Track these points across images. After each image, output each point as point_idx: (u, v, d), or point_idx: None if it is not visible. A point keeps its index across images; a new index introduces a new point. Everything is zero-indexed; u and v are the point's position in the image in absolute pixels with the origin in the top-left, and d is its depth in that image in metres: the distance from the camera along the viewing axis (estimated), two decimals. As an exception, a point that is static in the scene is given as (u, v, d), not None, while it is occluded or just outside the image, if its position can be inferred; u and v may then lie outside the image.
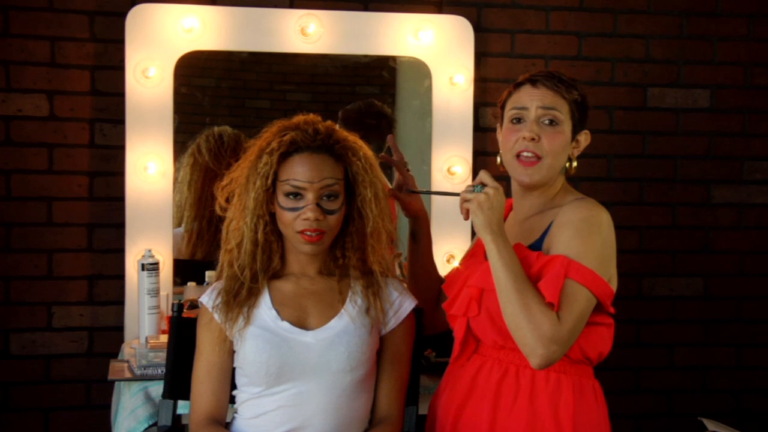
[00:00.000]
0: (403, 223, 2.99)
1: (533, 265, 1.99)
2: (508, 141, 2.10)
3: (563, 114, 2.08)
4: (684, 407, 3.67)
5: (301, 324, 2.10)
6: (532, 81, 2.11)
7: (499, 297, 1.96)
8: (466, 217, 2.01)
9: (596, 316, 2.02)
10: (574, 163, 2.13)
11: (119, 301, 3.20)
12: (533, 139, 2.06)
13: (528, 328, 1.91)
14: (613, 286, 2.04)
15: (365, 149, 2.14)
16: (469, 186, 2.02)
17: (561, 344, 1.92)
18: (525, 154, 2.07)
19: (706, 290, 3.69)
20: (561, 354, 1.94)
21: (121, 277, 3.17)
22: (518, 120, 2.10)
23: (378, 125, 3.39)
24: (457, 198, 2.04)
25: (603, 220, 2.03)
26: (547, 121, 2.07)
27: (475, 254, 2.21)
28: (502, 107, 2.17)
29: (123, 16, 3.14)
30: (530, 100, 2.09)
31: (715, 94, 3.66)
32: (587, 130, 2.15)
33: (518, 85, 2.14)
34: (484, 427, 2.04)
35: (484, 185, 1.99)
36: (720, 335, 3.70)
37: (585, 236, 1.98)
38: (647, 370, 3.67)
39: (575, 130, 2.11)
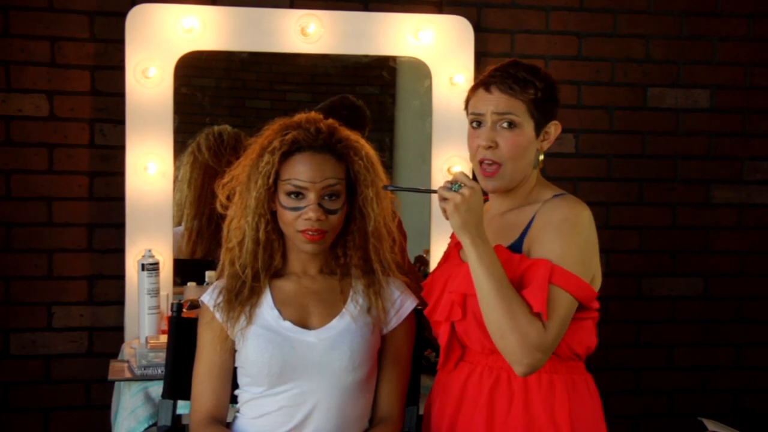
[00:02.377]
0: (413, 242, 2.99)
1: (516, 269, 1.97)
2: (471, 147, 2.09)
3: (520, 116, 2.04)
4: (684, 407, 3.67)
5: (303, 323, 2.10)
6: (485, 85, 2.07)
7: (481, 303, 1.93)
8: (447, 217, 1.96)
9: (580, 312, 2.00)
10: (541, 157, 2.09)
11: (119, 301, 3.20)
12: (490, 147, 2.04)
13: (513, 336, 1.88)
14: (597, 283, 2.03)
15: (367, 148, 2.14)
16: (446, 182, 1.95)
17: (545, 352, 1.91)
18: (486, 162, 2.05)
19: (706, 290, 3.69)
20: (545, 361, 1.92)
21: (121, 277, 3.17)
22: (478, 124, 2.08)
23: (350, 116, 3.37)
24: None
25: (584, 218, 2.00)
26: (505, 124, 2.04)
27: (450, 256, 2.19)
28: (466, 109, 2.14)
29: (123, 16, 3.14)
30: (485, 105, 2.05)
31: (715, 94, 3.66)
32: (556, 121, 2.10)
33: (475, 88, 2.10)
34: None
35: (461, 185, 1.93)
36: (720, 335, 3.70)
37: (567, 237, 1.96)
38: (647, 370, 3.67)
39: (539, 125, 2.07)
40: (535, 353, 1.89)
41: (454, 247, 2.20)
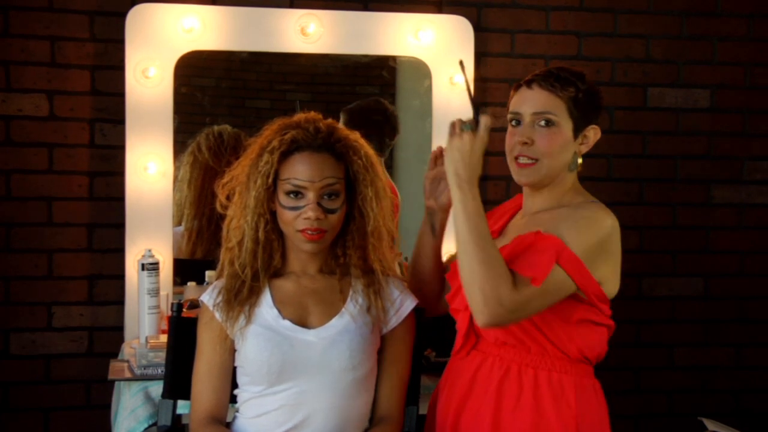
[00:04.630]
0: (404, 223, 2.99)
1: (526, 240, 1.98)
2: (508, 144, 2.11)
3: (559, 115, 2.05)
4: (684, 407, 3.67)
5: (303, 322, 2.10)
6: (528, 82, 2.09)
7: (457, 249, 1.94)
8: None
9: (596, 316, 2.02)
10: (579, 160, 2.09)
11: (119, 301, 3.20)
12: (526, 143, 2.05)
13: (480, 284, 1.89)
14: (607, 290, 2.02)
15: (366, 148, 2.14)
16: (466, 120, 1.97)
17: (511, 311, 1.90)
18: (521, 158, 2.07)
19: (706, 290, 3.69)
20: (508, 320, 1.92)
21: (121, 277, 3.18)
22: (516, 123, 2.10)
23: (384, 122, 3.39)
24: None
25: (605, 224, 2.01)
26: (542, 123, 2.05)
27: None
28: (508, 107, 2.17)
29: (123, 16, 3.14)
30: (524, 104, 2.07)
31: (715, 94, 3.66)
32: (596, 125, 2.10)
33: (518, 87, 2.13)
34: (486, 427, 2.04)
35: (475, 127, 1.94)
36: (720, 335, 3.70)
37: (580, 231, 1.97)
38: (647, 370, 3.67)
39: (578, 127, 2.07)
40: (498, 307, 1.88)
41: None
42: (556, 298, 1.96)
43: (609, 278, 2.03)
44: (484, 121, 1.97)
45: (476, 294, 1.90)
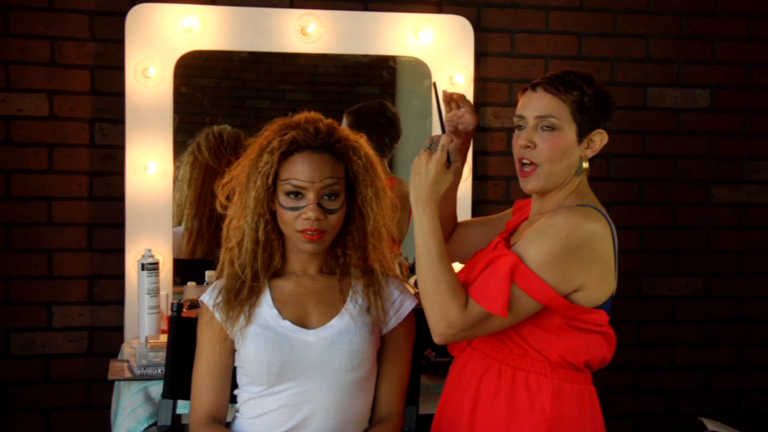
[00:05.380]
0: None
1: (488, 255, 2.00)
2: (514, 148, 2.10)
3: (562, 118, 2.03)
4: (684, 407, 3.67)
5: (303, 323, 2.10)
6: (534, 86, 2.08)
7: (416, 267, 2.00)
8: None
9: (579, 322, 2.00)
10: (585, 164, 2.08)
11: (119, 301, 3.20)
12: (528, 147, 2.05)
13: (433, 306, 1.96)
14: (591, 296, 1.99)
15: (366, 148, 2.14)
16: (433, 138, 2.03)
17: (461, 330, 1.96)
18: (524, 161, 2.07)
19: (706, 290, 3.69)
20: (461, 338, 2.00)
21: (121, 276, 3.18)
22: (520, 127, 2.09)
23: (387, 125, 3.39)
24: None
25: (580, 230, 1.97)
26: (545, 126, 2.04)
27: (491, 244, 2.19)
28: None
29: (123, 15, 3.15)
30: (528, 108, 2.06)
31: (715, 94, 3.66)
32: (603, 130, 2.07)
33: (524, 91, 2.12)
34: (464, 421, 2.06)
35: (431, 147, 1.99)
36: (720, 335, 3.70)
37: (544, 241, 1.95)
38: (647, 370, 3.67)
39: (583, 131, 2.05)
40: (448, 329, 1.95)
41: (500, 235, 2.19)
42: (519, 317, 1.97)
43: (594, 283, 1.99)
44: (441, 140, 2.00)
45: (429, 313, 1.98)
